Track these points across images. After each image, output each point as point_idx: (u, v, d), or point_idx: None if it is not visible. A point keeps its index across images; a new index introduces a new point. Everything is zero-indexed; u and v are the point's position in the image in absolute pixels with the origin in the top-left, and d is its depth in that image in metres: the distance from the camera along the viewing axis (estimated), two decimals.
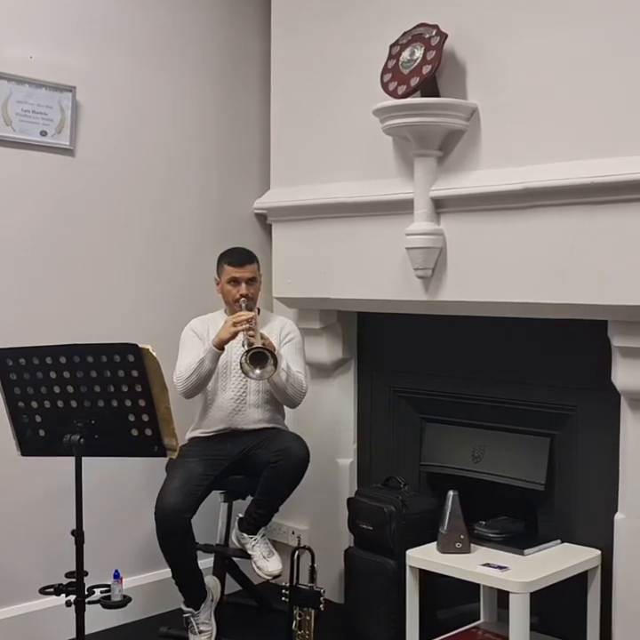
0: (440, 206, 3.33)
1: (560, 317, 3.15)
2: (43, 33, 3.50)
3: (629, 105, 2.84)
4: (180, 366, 3.46)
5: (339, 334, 3.98)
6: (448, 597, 3.50)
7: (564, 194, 2.96)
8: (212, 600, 3.44)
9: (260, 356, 3.23)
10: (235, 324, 3.35)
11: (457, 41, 3.25)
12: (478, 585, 3.31)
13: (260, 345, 3.23)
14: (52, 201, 3.57)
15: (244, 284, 3.53)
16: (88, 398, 2.75)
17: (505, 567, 3.01)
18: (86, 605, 2.78)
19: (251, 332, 3.31)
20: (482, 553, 3.17)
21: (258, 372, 3.23)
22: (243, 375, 3.31)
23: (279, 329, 3.61)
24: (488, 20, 3.20)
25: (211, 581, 3.52)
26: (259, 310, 3.61)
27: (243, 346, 3.34)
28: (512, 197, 3.09)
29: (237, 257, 3.58)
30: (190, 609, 3.38)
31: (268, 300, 4.03)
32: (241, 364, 3.24)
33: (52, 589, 2.84)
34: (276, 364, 3.23)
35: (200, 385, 3.45)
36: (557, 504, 3.36)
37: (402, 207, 3.40)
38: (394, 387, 3.90)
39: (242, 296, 3.51)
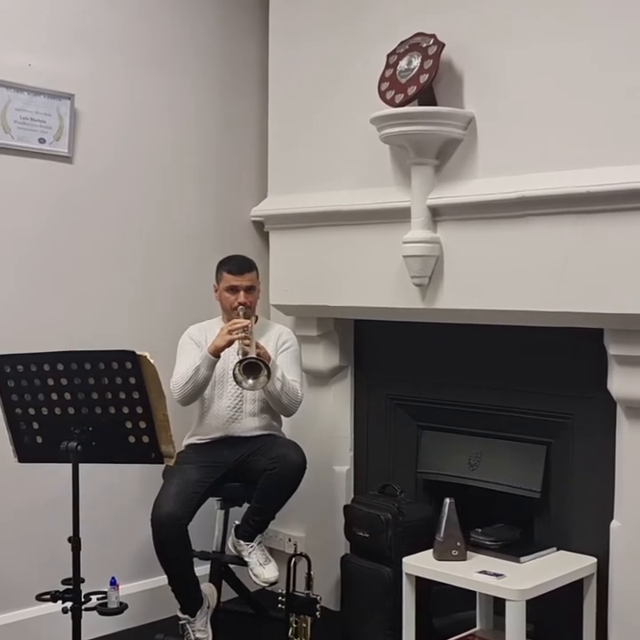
0: (437, 214, 3.34)
1: (556, 325, 3.16)
2: (41, 41, 3.52)
3: (625, 114, 2.85)
4: (177, 373, 3.47)
5: (335, 342, 3.98)
6: (444, 605, 3.50)
7: (560, 203, 2.98)
8: (208, 607, 3.44)
9: (254, 367, 3.22)
10: (230, 332, 3.35)
11: (454, 50, 3.26)
12: (474, 592, 3.32)
13: (254, 355, 3.23)
14: (50, 208, 3.58)
15: (242, 292, 3.53)
16: (85, 405, 2.75)
17: (501, 574, 3.01)
18: (83, 612, 2.77)
19: (246, 341, 3.31)
20: (478, 560, 3.17)
21: (251, 382, 3.23)
22: (238, 362, 3.29)
23: (276, 337, 3.62)
24: (485, 29, 3.22)
25: (207, 588, 3.51)
26: (256, 318, 3.62)
27: (237, 354, 3.34)
28: (508, 206, 3.10)
29: (236, 265, 3.58)
30: (186, 616, 3.38)
31: (265, 308, 4.03)
32: (234, 373, 3.24)
33: (48, 596, 2.82)
34: (269, 374, 3.23)
35: (196, 392, 3.45)
36: (553, 511, 3.37)
37: (399, 215, 3.41)
38: (390, 394, 3.90)
39: (240, 304, 3.51)
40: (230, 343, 3.36)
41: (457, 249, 3.30)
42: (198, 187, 4.08)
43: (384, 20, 3.52)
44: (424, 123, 3.24)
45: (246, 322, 3.38)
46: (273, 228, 4.07)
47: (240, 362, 3.23)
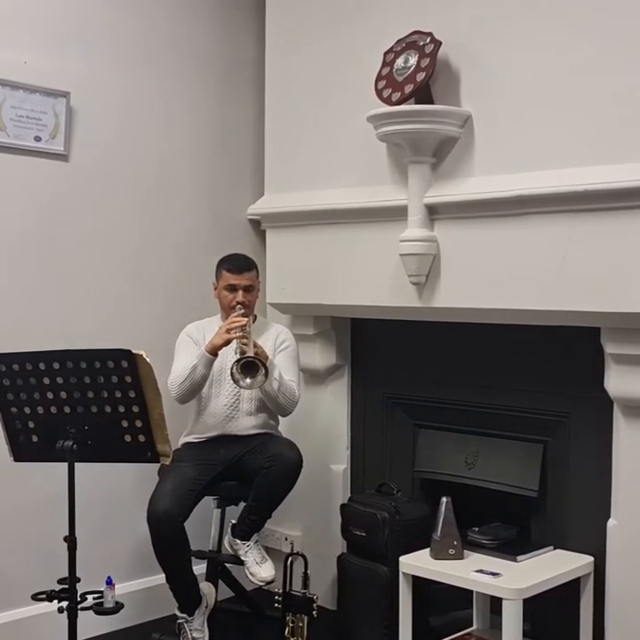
0: (434, 213, 3.34)
1: (553, 324, 3.16)
2: (37, 38, 3.51)
3: (623, 113, 2.85)
4: (174, 371, 3.46)
5: (332, 340, 3.98)
6: (441, 604, 3.50)
7: (557, 201, 2.97)
8: (206, 607, 3.44)
9: (251, 366, 3.22)
10: (228, 331, 3.34)
11: (451, 48, 3.26)
12: (471, 591, 3.31)
13: (251, 354, 3.23)
14: (46, 206, 3.57)
15: (240, 292, 3.52)
16: (81, 404, 2.74)
17: (498, 573, 3.01)
18: (79, 612, 2.77)
19: (244, 340, 3.30)
20: (475, 559, 3.17)
21: (248, 381, 3.23)
22: (236, 360, 3.28)
23: (274, 337, 3.61)
24: (482, 27, 3.21)
25: (206, 588, 3.51)
26: (255, 317, 3.61)
27: (235, 353, 3.33)
28: (505, 204, 3.10)
29: (236, 264, 3.57)
30: (184, 615, 3.38)
31: (262, 306, 4.02)
32: (231, 373, 3.23)
33: (44, 595, 2.82)
34: (266, 374, 3.22)
35: (194, 390, 3.45)
36: (550, 510, 3.37)
37: (396, 214, 3.41)
38: (387, 393, 3.90)
39: (238, 303, 3.50)
40: (228, 342, 3.35)
41: (454, 247, 3.30)
42: (195, 185, 4.07)
43: (381, 18, 3.52)
44: (421, 121, 3.23)
45: (244, 321, 3.37)
46: (269, 227, 4.06)
47: (238, 361, 3.22)
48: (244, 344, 3.29)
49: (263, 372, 3.21)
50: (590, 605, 3.15)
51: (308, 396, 3.94)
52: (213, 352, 3.38)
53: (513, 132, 3.13)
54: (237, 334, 3.32)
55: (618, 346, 3.00)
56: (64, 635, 2.75)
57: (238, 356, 3.26)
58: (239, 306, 3.49)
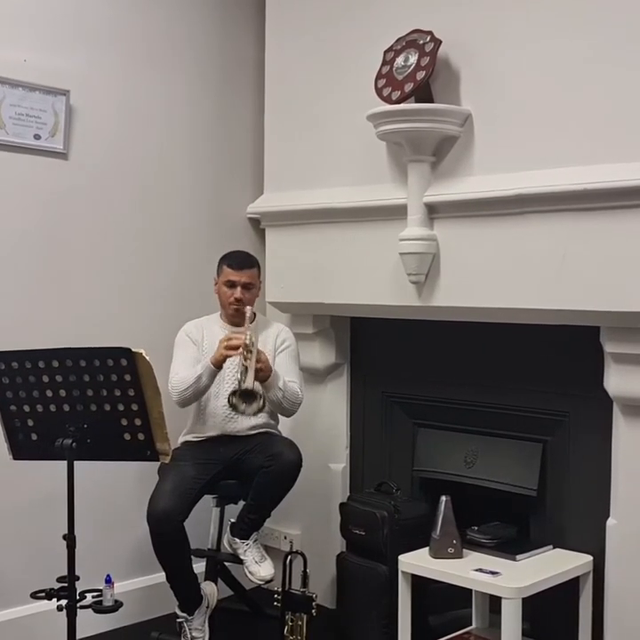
0: (433, 212, 3.33)
1: (553, 323, 3.16)
2: (37, 36, 3.50)
3: (622, 112, 2.85)
4: (177, 376, 3.44)
5: (332, 339, 3.98)
6: (440, 603, 3.50)
7: (557, 200, 2.97)
8: (207, 606, 3.43)
9: (249, 394, 3.15)
10: (227, 348, 3.30)
11: (451, 47, 3.25)
12: (470, 590, 3.31)
13: (250, 385, 3.15)
14: (45, 204, 3.56)
15: (239, 288, 3.51)
16: (80, 402, 2.74)
17: (497, 572, 3.01)
18: (78, 610, 2.77)
19: (244, 364, 3.21)
20: (474, 558, 3.17)
21: (244, 407, 3.15)
22: (236, 382, 3.25)
23: (274, 336, 3.60)
24: (482, 26, 3.21)
25: (207, 587, 3.49)
26: (255, 315, 3.60)
27: (238, 364, 3.27)
28: (505, 203, 3.10)
29: (237, 260, 3.57)
30: (184, 614, 3.37)
31: (262, 305, 4.02)
32: (232, 404, 3.15)
33: (43, 594, 2.82)
34: (264, 403, 3.18)
35: (196, 397, 3.45)
36: (550, 510, 3.37)
37: (395, 212, 3.41)
38: (387, 392, 3.90)
39: (236, 300, 3.50)
40: (228, 357, 3.33)
41: (453, 246, 3.30)
42: (194, 183, 4.07)
43: (381, 16, 3.52)
44: (421, 120, 3.23)
45: (240, 341, 3.26)
46: (269, 225, 4.06)
47: (233, 393, 3.16)
48: (245, 364, 3.20)
49: (260, 402, 3.15)
50: (589, 604, 3.15)
51: (308, 395, 3.92)
52: (218, 365, 3.36)
53: (513, 130, 3.12)
54: (237, 352, 3.24)
55: (617, 345, 3.00)
56: (63, 633, 2.75)
57: (235, 388, 3.18)
58: (247, 307, 3.45)
